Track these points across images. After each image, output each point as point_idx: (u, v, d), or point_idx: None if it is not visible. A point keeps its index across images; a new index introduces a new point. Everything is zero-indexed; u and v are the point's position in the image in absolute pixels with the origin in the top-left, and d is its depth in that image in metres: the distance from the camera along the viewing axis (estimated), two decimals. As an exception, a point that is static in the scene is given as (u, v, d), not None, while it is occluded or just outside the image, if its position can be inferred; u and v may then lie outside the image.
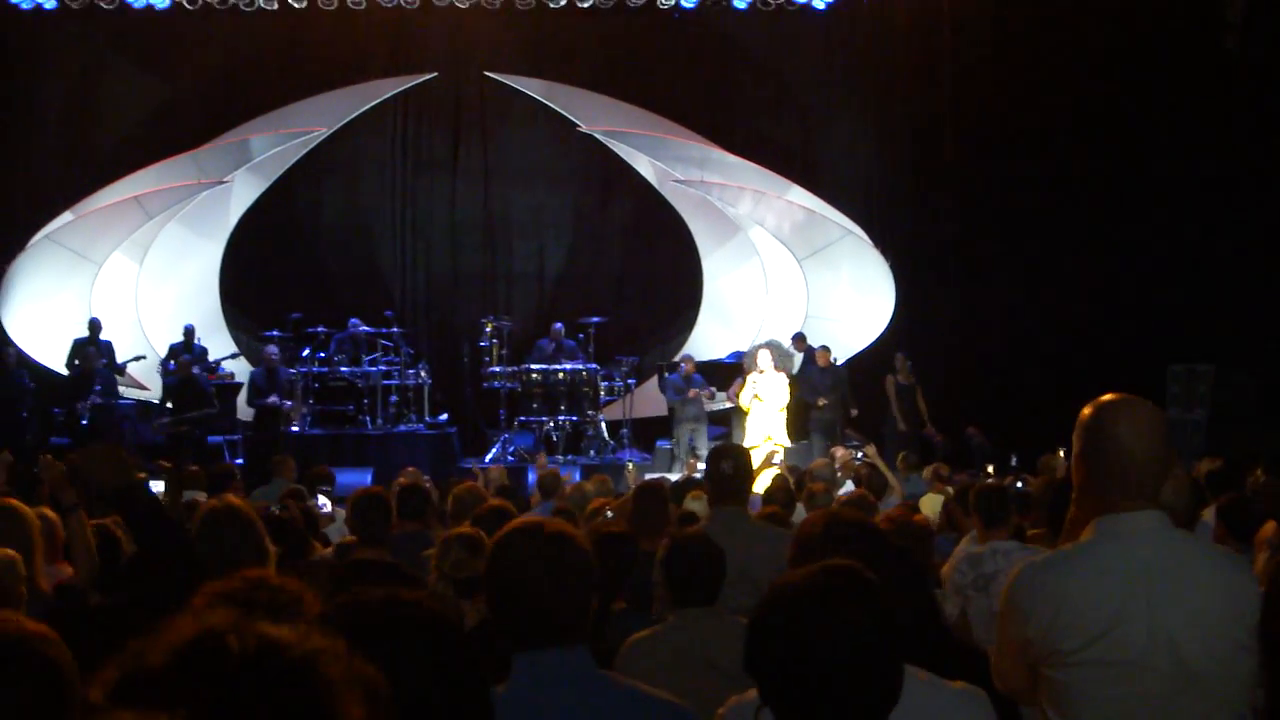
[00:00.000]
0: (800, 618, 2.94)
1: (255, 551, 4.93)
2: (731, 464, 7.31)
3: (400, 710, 2.39)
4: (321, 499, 12.46)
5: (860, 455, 20.20)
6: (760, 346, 20.86)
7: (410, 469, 16.15)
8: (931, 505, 12.78)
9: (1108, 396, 4.10)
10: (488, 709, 2.69)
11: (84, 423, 21.12)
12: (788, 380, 20.76)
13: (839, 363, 23.32)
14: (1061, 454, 14.71)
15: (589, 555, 3.74)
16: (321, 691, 1.69)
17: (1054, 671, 3.92)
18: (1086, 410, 4.10)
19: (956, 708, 3.53)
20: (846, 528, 4.33)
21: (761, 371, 20.14)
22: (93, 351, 21.94)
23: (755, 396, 20.07)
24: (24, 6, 23.63)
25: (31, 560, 6.42)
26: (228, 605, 3.28)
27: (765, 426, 19.89)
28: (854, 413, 22.95)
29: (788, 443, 20.38)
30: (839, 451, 18.96)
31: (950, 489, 12.44)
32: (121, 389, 22.96)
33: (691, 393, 22.43)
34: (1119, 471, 3.96)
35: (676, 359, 24.05)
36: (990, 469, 16.36)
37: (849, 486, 15.25)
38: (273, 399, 21.93)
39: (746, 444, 19.62)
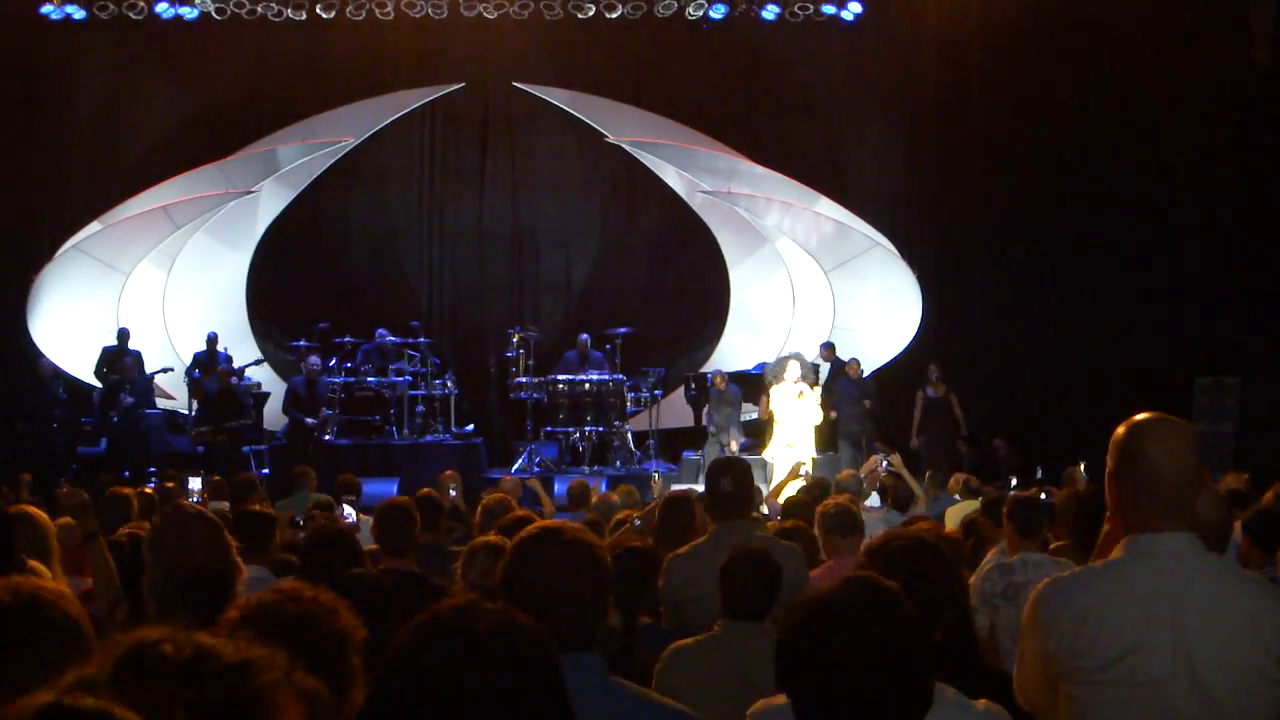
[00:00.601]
0: (829, 631, 2.93)
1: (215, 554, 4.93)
2: (732, 480, 7.33)
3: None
4: (347, 509, 12.43)
5: (886, 464, 20.19)
6: (788, 358, 20.83)
7: (447, 473, 16.13)
8: (958, 517, 12.72)
9: (1141, 415, 4.09)
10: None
11: (114, 420, 21.21)
12: (817, 392, 20.71)
13: (866, 375, 23.26)
14: (1082, 466, 14.66)
15: (606, 563, 3.73)
16: (255, 698, 1.70)
17: (1075, 689, 3.90)
18: (1120, 429, 4.09)
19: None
20: (905, 544, 4.33)
21: (788, 382, 20.12)
22: (129, 362, 22.01)
23: (775, 408, 20.10)
24: (54, 17, 23.72)
25: (50, 566, 6.46)
26: (260, 618, 3.29)
27: (789, 438, 19.84)
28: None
29: (814, 453, 20.31)
30: (871, 462, 18.92)
31: (978, 501, 12.39)
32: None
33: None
34: (1151, 491, 3.95)
35: (705, 371, 23.93)
36: (1014, 481, 16.31)
37: (875, 499, 15.24)
38: (310, 420, 21.98)
39: (767, 454, 19.77)
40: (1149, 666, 3.78)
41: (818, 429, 20.98)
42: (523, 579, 3.64)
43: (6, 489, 14.69)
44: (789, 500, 11.45)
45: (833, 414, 22.32)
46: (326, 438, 22.36)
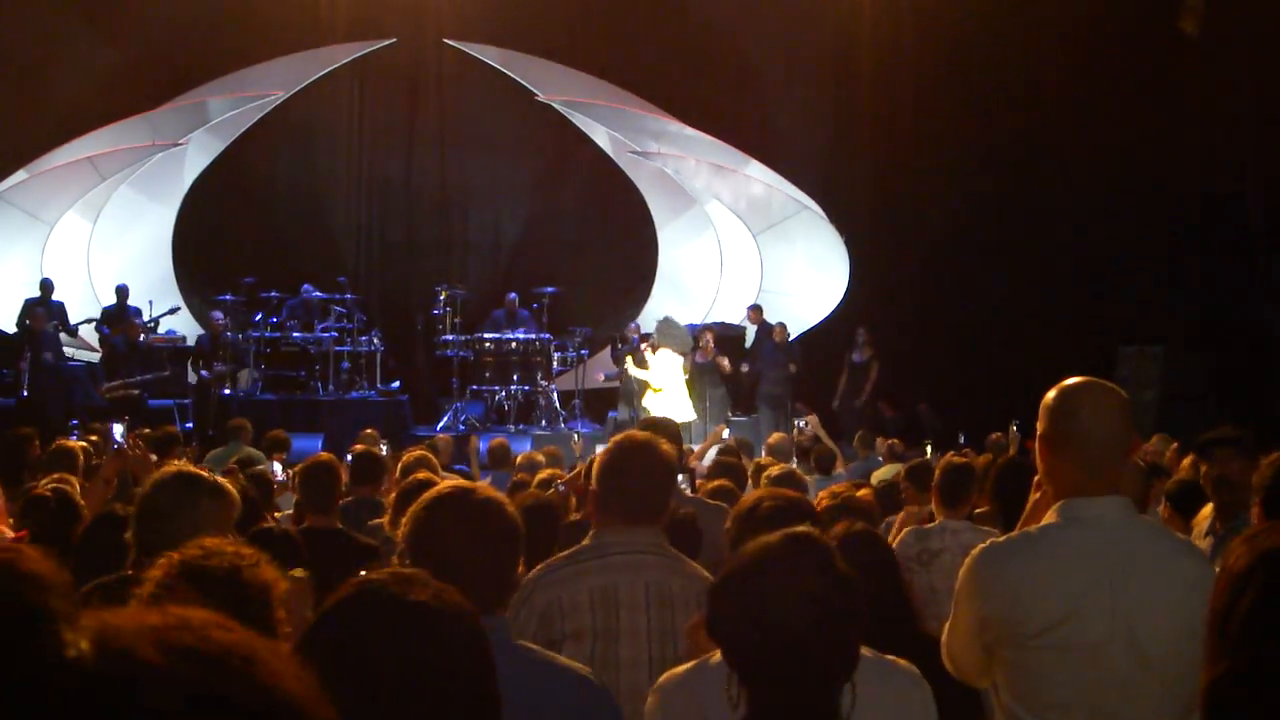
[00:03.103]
0: (760, 580, 2.96)
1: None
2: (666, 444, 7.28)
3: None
4: (276, 465, 12.40)
5: (804, 424, 20.35)
6: (660, 325, 21.14)
7: (368, 431, 16.10)
8: (888, 477, 12.80)
9: (1072, 380, 4.09)
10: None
11: (24, 389, 20.97)
12: (683, 359, 20.89)
13: (793, 339, 23.36)
14: (1014, 427, 14.80)
15: (515, 523, 3.73)
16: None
17: (1013, 654, 3.92)
18: (1051, 393, 4.09)
19: (896, 683, 3.54)
20: (773, 502, 4.37)
21: (655, 349, 20.34)
22: (42, 312, 21.76)
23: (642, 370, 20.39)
24: (-22, -36, 23.44)
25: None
26: (187, 573, 3.30)
27: (662, 402, 20.00)
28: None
29: (692, 415, 20.44)
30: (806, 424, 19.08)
31: (901, 465, 12.44)
32: (71, 351, 22.82)
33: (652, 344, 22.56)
34: (1083, 455, 3.95)
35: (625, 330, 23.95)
36: (928, 446, 16.36)
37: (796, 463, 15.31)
38: (203, 374, 21.85)
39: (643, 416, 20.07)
40: (1087, 630, 3.80)
41: (742, 391, 21.17)
42: (429, 541, 3.63)
43: None
44: (717, 462, 11.47)
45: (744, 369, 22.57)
46: (237, 391, 22.16)
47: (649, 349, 20.63)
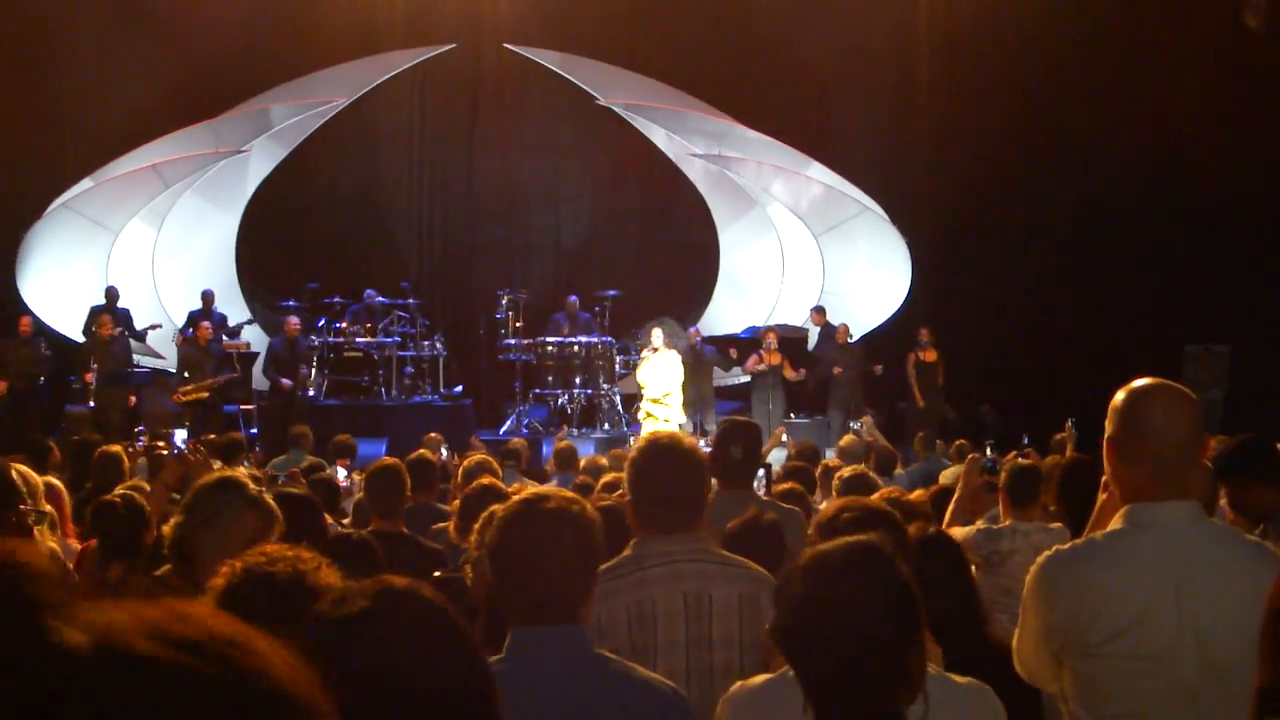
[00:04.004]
0: (820, 589, 2.92)
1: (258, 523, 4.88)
2: (742, 449, 7.16)
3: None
4: (341, 470, 12.45)
5: (858, 425, 20.28)
6: (653, 324, 21.14)
7: (431, 435, 16.14)
8: (952, 480, 12.72)
9: (1142, 381, 3.99)
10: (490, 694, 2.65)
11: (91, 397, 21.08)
12: (680, 358, 20.96)
13: (855, 339, 23.28)
14: (1070, 424, 14.66)
15: (592, 532, 3.70)
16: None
17: (1079, 662, 3.86)
18: (1120, 395, 4.00)
19: (965, 702, 3.49)
20: (854, 513, 4.32)
21: (656, 349, 20.31)
22: (109, 319, 21.86)
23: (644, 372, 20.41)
24: (43, -25, 23.59)
25: (42, 525, 6.47)
26: (250, 581, 3.29)
27: (648, 403, 20.00)
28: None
29: (683, 418, 20.44)
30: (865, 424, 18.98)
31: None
32: (137, 357, 22.96)
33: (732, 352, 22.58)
34: (1152, 459, 3.86)
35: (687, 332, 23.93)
36: (988, 447, 16.24)
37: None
38: (285, 381, 21.87)
39: (639, 418, 20.11)
40: (1154, 638, 3.73)
41: (809, 392, 21.14)
42: (506, 550, 3.62)
43: None
44: (787, 465, 11.43)
45: (802, 373, 22.51)
46: (310, 393, 22.26)
47: (650, 351, 20.61)
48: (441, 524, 8.24)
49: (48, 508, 6.80)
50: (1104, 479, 4.18)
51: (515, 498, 3.88)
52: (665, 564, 4.78)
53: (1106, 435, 3.98)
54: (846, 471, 8.89)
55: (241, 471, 8.05)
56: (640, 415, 20.56)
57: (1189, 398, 4.01)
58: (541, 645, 3.52)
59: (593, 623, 4.64)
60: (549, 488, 4.96)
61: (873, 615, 2.87)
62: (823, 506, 6.43)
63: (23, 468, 6.86)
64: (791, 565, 3.08)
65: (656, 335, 20.72)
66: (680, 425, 20.31)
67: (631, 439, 20.34)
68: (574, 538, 3.62)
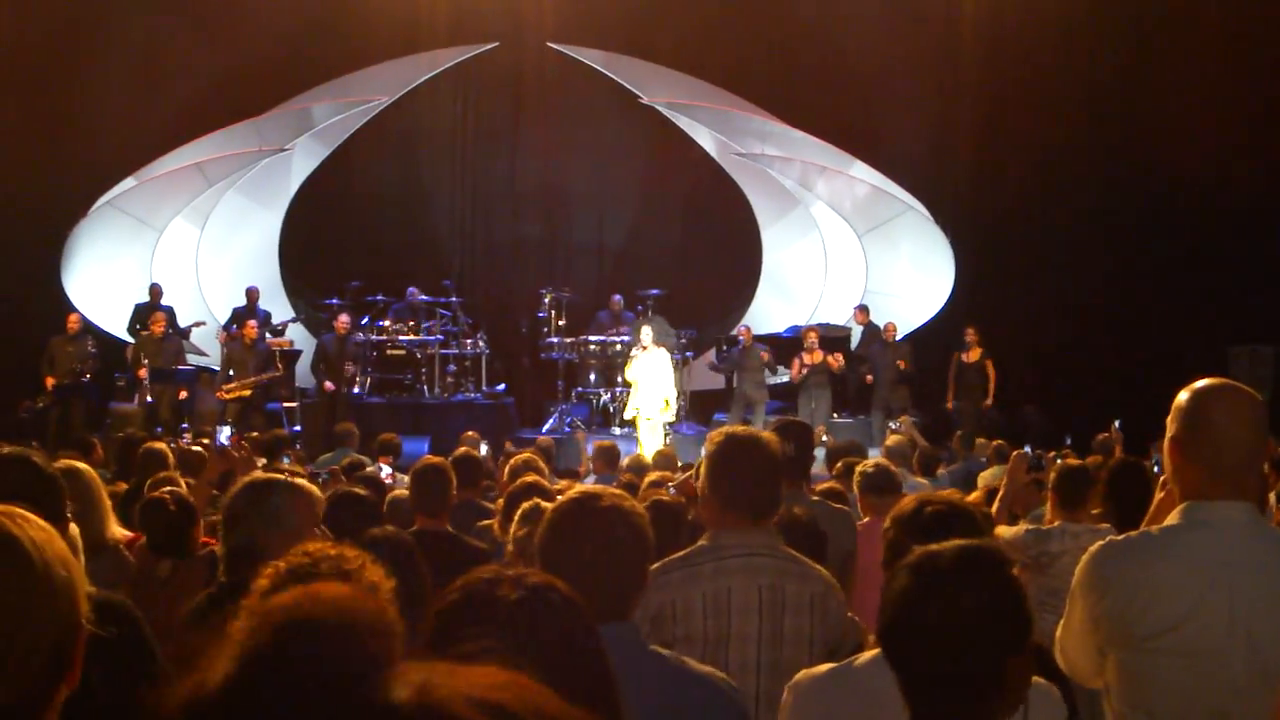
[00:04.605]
0: (931, 594, 2.89)
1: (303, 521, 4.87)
2: (795, 446, 7.15)
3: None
4: (385, 468, 12.45)
5: (897, 425, 20.24)
6: (642, 322, 21.13)
7: (469, 434, 16.15)
8: (994, 480, 12.66)
9: (1206, 381, 3.96)
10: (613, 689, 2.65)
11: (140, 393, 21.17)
12: (670, 356, 20.95)
13: (900, 338, 23.20)
14: (1117, 424, 14.56)
15: (644, 530, 3.70)
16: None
17: (1126, 655, 3.82)
18: (1184, 394, 3.96)
19: (1045, 706, 3.46)
20: (937, 507, 4.27)
21: (645, 348, 20.26)
22: (160, 315, 21.94)
23: (632, 371, 20.46)
24: (90, -28, 23.70)
25: (103, 520, 6.51)
26: (296, 581, 3.28)
27: (641, 401, 19.97)
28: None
29: (670, 416, 20.41)
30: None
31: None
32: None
33: (764, 355, 22.48)
34: (1213, 459, 3.84)
35: (734, 331, 23.85)
36: (1027, 448, 16.16)
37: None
38: (328, 385, 21.90)
39: (628, 416, 20.25)
40: (1204, 636, 3.70)
41: (851, 392, 21.12)
42: (559, 548, 3.61)
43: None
44: (835, 467, 11.40)
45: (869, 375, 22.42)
46: (355, 390, 22.28)
47: (639, 350, 20.58)
48: (486, 521, 8.23)
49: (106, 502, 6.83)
50: (1162, 477, 4.16)
51: (567, 495, 3.87)
52: (743, 555, 4.81)
53: (1169, 435, 3.95)
54: (869, 467, 8.81)
55: (287, 467, 8.06)
56: (628, 413, 20.55)
57: (1254, 399, 3.97)
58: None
59: (668, 609, 4.65)
60: (599, 486, 4.94)
61: (977, 621, 2.83)
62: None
63: (80, 464, 6.88)
64: (900, 562, 3.04)
65: (646, 333, 20.67)
66: (666, 424, 20.37)
67: (667, 439, 20.36)
68: (629, 535, 3.62)
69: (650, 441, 18.77)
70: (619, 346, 23.14)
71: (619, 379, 23.04)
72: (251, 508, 4.71)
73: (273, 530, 4.53)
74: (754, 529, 4.87)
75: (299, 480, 4.91)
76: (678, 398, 21.41)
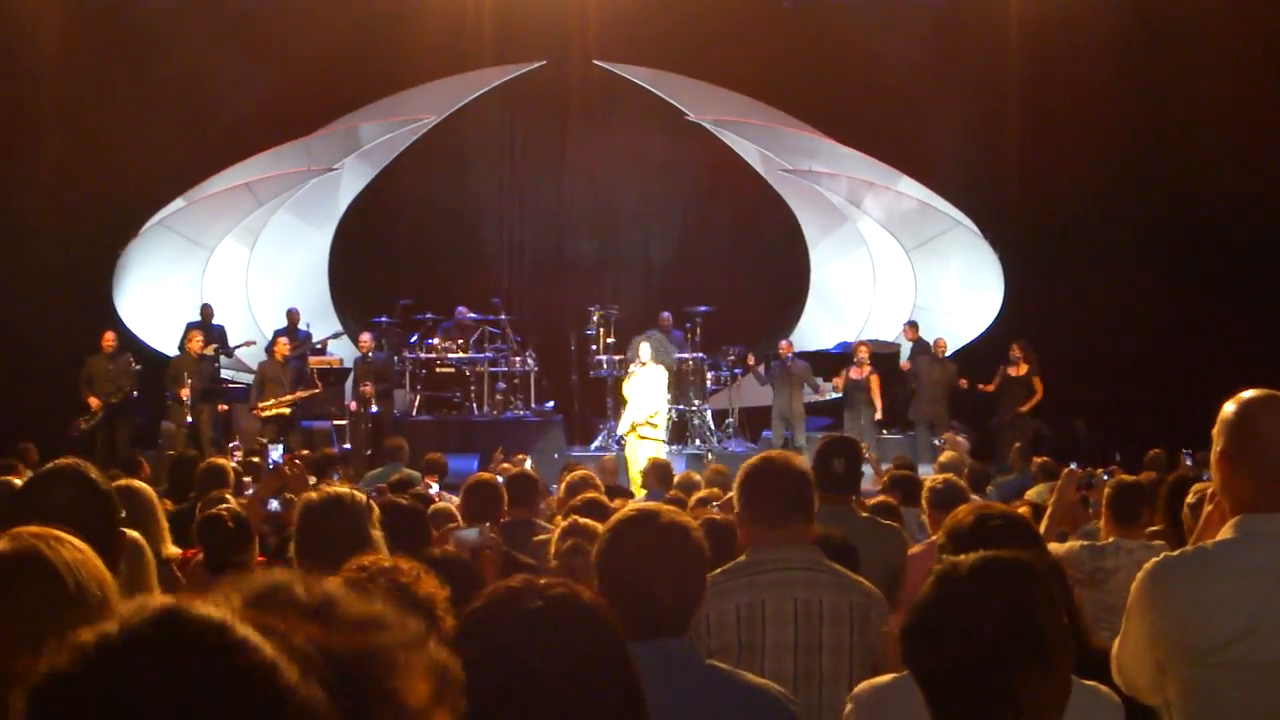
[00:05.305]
0: (948, 603, 2.90)
1: (359, 540, 4.91)
2: (843, 462, 7.15)
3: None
4: (433, 485, 12.50)
5: (941, 441, 20.19)
6: (641, 339, 21.10)
7: (519, 455, 16.19)
8: (1038, 498, 12.62)
9: (1253, 392, 3.95)
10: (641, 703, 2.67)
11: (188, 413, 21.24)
12: (666, 373, 20.89)
13: (949, 354, 23.15)
14: (1186, 460, 14.48)
15: (702, 547, 3.72)
16: (383, 655, 1.65)
17: (1187, 671, 3.80)
18: (1230, 406, 3.95)
19: (1093, 707, 3.45)
20: (998, 521, 4.27)
21: (644, 364, 20.22)
22: (204, 336, 22.02)
23: (629, 386, 20.40)
24: (140, -7, 23.91)
25: (159, 538, 6.56)
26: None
27: (635, 417, 19.94)
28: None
29: (659, 435, 20.35)
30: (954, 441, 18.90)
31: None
32: (231, 374, 23.18)
33: (806, 371, 22.48)
34: (1263, 470, 3.82)
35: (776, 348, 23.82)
36: (1072, 465, 16.07)
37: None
38: (351, 404, 21.94)
39: (621, 432, 20.23)
40: (1265, 649, 3.68)
41: (899, 407, 21.09)
42: (617, 563, 3.63)
43: (13, 459, 14.62)
44: (888, 480, 11.40)
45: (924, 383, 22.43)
46: (374, 409, 22.22)
47: (636, 366, 20.54)
48: (542, 537, 8.25)
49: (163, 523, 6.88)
50: (1210, 491, 4.14)
51: (627, 510, 3.89)
52: (778, 570, 4.85)
53: (1216, 448, 3.94)
54: (938, 482, 8.79)
55: (338, 484, 8.12)
56: (623, 430, 20.51)
57: None
58: (658, 660, 3.52)
59: (701, 622, 4.68)
60: (655, 503, 4.97)
61: (983, 629, 2.84)
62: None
63: (138, 483, 6.94)
64: (927, 585, 3.06)
65: (644, 350, 20.62)
66: (663, 442, 20.32)
67: (709, 455, 20.35)
68: (687, 551, 3.64)
69: (638, 458, 18.62)
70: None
71: (666, 397, 23.06)
72: (325, 523, 4.75)
73: (344, 546, 4.57)
74: (788, 545, 4.92)
75: (359, 495, 4.97)
76: (667, 416, 21.30)
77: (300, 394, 21.37)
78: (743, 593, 4.77)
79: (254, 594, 1.62)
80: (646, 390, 20.10)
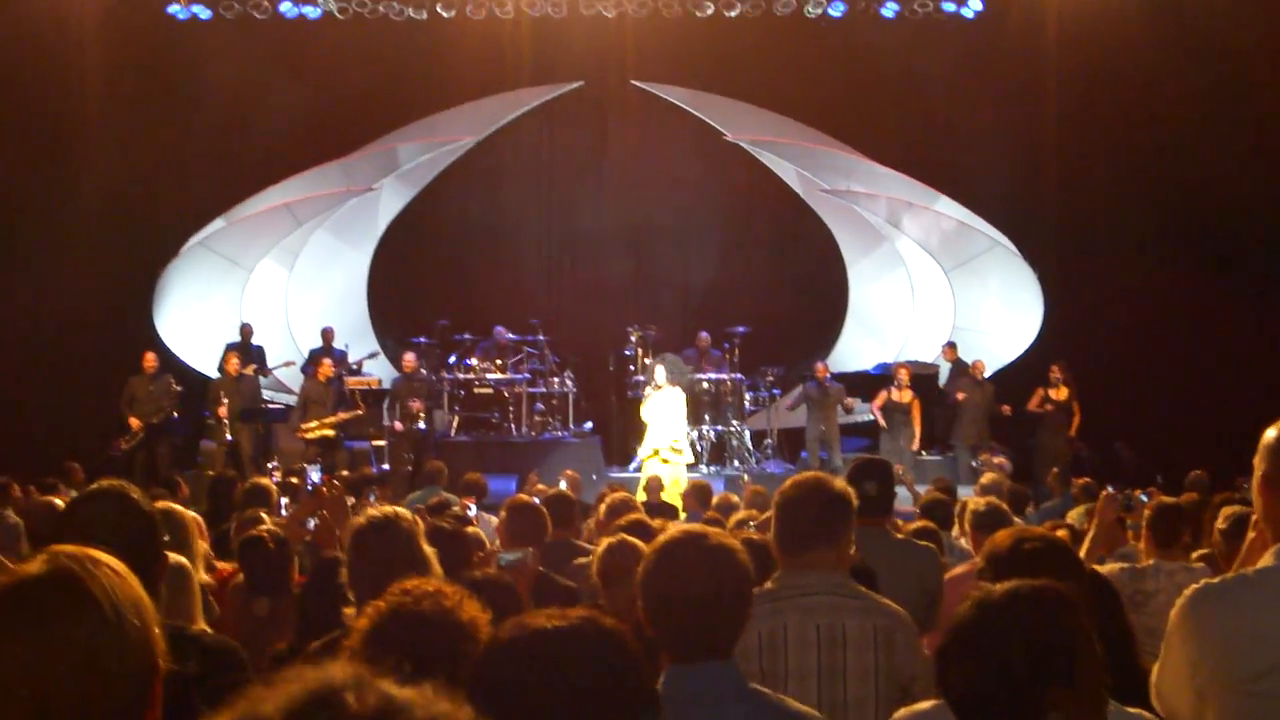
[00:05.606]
0: (979, 620, 2.91)
1: (411, 564, 4.91)
2: (876, 484, 7.12)
3: None
4: (472, 507, 12.49)
5: (978, 463, 20.11)
6: (656, 361, 21.06)
7: (568, 472, 16.22)
8: (1076, 521, 12.57)
9: (1291, 416, 3.92)
10: None
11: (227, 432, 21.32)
12: (683, 395, 20.92)
13: (988, 375, 23.07)
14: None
15: (747, 570, 3.71)
16: None
17: (1229, 699, 3.77)
18: (1270, 431, 3.91)
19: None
20: (1035, 544, 4.25)
21: (659, 387, 20.19)
22: (240, 357, 22.10)
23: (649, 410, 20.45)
24: (181, 17, 24.00)
25: (194, 563, 6.57)
26: (399, 618, 3.30)
27: (657, 441, 19.89)
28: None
29: (690, 457, 20.37)
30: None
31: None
32: (270, 394, 23.25)
33: (841, 392, 22.47)
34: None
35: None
36: (1109, 489, 15.99)
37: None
38: (396, 425, 21.99)
39: (642, 455, 20.26)
40: (1307, 677, 3.65)
41: (938, 428, 21.03)
42: (664, 584, 3.62)
43: (55, 479, 14.72)
44: (924, 502, 11.38)
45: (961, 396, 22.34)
46: (421, 426, 22.22)
47: (652, 389, 20.53)
48: (583, 560, 8.23)
49: (203, 545, 6.90)
50: (1253, 518, 4.11)
51: (674, 532, 3.88)
52: (801, 595, 4.84)
53: (1258, 473, 3.91)
54: (981, 505, 8.77)
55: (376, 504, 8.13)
56: (643, 453, 20.50)
57: None
58: (703, 683, 3.52)
59: None
60: (700, 525, 4.96)
61: (1014, 657, 2.85)
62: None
63: (176, 506, 6.96)
64: (962, 607, 3.06)
65: (659, 373, 20.66)
66: (687, 463, 20.31)
67: (745, 477, 20.31)
68: (734, 573, 3.63)
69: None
70: (705, 385, 23.12)
71: (705, 416, 23.05)
72: (378, 542, 4.77)
73: (398, 564, 4.58)
74: (813, 570, 4.91)
75: (407, 513, 4.99)
76: (688, 438, 21.30)
77: (343, 415, 21.43)
78: (765, 619, 4.74)
79: (301, 708, 1.58)
80: (667, 413, 20.11)
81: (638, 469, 21.16)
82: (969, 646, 2.94)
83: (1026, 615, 2.92)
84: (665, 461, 19.82)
